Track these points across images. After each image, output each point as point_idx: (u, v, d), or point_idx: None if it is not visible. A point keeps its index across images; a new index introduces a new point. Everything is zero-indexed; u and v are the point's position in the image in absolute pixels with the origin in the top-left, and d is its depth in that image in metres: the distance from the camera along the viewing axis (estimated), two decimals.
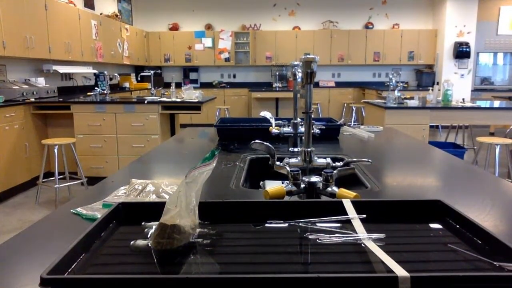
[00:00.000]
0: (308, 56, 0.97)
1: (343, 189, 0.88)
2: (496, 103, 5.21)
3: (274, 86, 9.12)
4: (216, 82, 9.34)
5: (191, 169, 0.70)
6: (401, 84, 8.63)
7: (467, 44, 8.43)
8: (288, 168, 0.97)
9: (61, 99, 4.93)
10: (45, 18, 5.13)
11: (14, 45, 4.53)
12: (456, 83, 7.97)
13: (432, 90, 5.07)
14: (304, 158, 1.03)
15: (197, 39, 8.98)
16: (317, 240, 0.68)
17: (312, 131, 1.06)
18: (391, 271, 0.54)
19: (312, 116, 1.04)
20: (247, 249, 0.69)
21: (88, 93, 5.84)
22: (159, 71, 9.08)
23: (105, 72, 6.48)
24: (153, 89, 5.27)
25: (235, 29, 9.21)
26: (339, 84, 9.26)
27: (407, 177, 1.22)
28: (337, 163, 1.02)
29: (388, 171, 1.30)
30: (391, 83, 5.06)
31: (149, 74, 5.63)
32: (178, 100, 4.67)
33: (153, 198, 0.95)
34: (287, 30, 9.24)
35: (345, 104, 8.93)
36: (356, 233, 0.69)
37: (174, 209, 0.66)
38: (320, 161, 1.04)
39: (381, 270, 0.58)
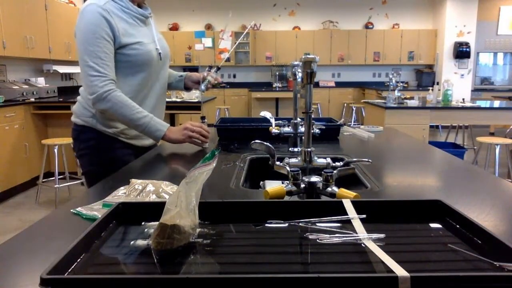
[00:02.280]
0: (308, 56, 0.97)
1: (343, 189, 0.88)
2: (496, 103, 5.21)
3: (274, 86, 9.12)
4: (216, 82, 9.33)
5: (191, 169, 0.70)
6: (401, 84, 8.62)
7: (467, 44, 8.43)
8: (288, 168, 0.97)
9: (61, 99, 4.94)
10: (45, 18, 5.14)
11: (14, 45, 4.53)
12: (456, 83, 7.97)
13: (432, 90, 5.07)
14: (304, 158, 1.03)
15: (197, 39, 8.97)
16: (317, 240, 0.68)
17: (312, 131, 1.06)
18: (391, 271, 0.54)
19: (312, 116, 1.04)
20: (247, 249, 0.69)
21: None
22: None
23: None
24: None
25: (235, 29, 9.21)
26: (339, 84, 9.26)
27: (407, 177, 1.22)
28: (337, 163, 1.02)
29: (388, 171, 1.30)
30: (391, 83, 5.06)
31: None
32: (178, 100, 4.67)
33: (153, 198, 0.95)
34: (287, 30, 9.25)
35: (345, 104, 8.93)
36: (356, 233, 0.69)
37: (174, 209, 0.66)
38: (320, 161, 1.04)
39: (381, 270, 0.58)
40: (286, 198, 0.91)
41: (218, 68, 1.94)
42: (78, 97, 1.68)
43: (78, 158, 1.69)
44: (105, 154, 1.63)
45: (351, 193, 0.85)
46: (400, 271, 0.53)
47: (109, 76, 1.48)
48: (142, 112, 1.53)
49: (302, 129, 1.50)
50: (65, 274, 0.57)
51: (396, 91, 4.80)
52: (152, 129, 1.54)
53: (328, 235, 0.69)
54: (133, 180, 1.04)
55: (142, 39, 1.58)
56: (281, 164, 1.01)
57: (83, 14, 1.49)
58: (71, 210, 0.90)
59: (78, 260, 0.61)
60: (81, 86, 1.66)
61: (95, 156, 1.64)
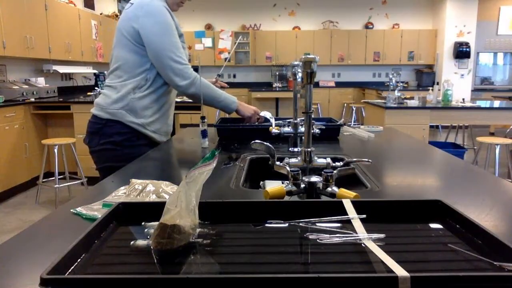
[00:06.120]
0: (308, 56, 0.97)
1: (343, 189, 0.88)
2: (496, 103, 5.21)
3: (274, 86, 9.12)
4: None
5: (191, 169, 0.70)
6: (401, 84, 8.62)
7: (467, 44, 8.43)
8: (288, 168, 0.97)
9: (61, 99, 4.93)
10: (45, 18, 5.13)
11: (14, 45, 4.53)
12: (456, 83, 7.96)
13: (432, 90, 5.06)
14: (304, 158, 1.03)
15: (197, 39, 8.97)
16: (317, 240, 0.68)
17: (312, 131, 1.06)
18: (391, 271, 0.54)
19: (312, 116, 1.04)
20: (247, 249, 0.69)
21: (88, 93, 5.84)
22: None
23: (105, 72, 6.48)
24: None
25: (235, 29, 9.20)
26: (339, 84, 9.26)
27: (407, 177, 1.22)
28: (337, 163, 1.02)
29: (388, 171, 1.30)
30: (391, 83, 5.05)
31: None
32: (178, 100, 4.67)
33: (153, 198, 0.95)
34: (287, 30, 9.24)
35: (345, 104, 8.93)
36: (356, 233, 0.69)
37: (174, 209, 0.66)
38: (320, 161, 1.04)
39: (381, 270, 0.58)
40: (286, 198, 0.91)
41: (219, 75, 2.08)
42: (104, 90, 1.70)
43: (94, 152, 1.69)
44: (127, 150, 1.65)
45: (351, 193, 0.85)
46: (400, 271, 0.53)
47: (189, 64, 1.70)
48: (218, 90, 1.74)
49: (302, 129, 1.50)
50: (65, 274, 0.57)
51: (396, 91, 4.80)
52: (228, 101, 1.76)
53: (328, 235, 0.69)
54: (133, 180, 1.04)
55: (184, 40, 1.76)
56: (281, 164, 1.01)
57: (150, 8, 1.58)
58: (71, 210, 0.90)
59: (78, 260, 0.61)
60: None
61: (117, 151, 1.66)
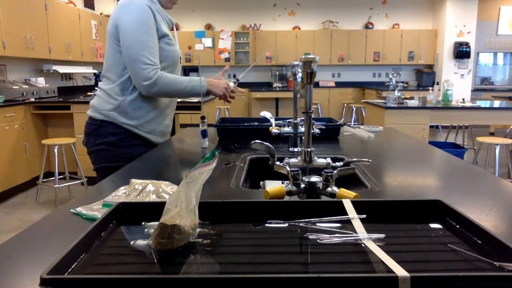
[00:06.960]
0: (308, 56, 0.97)
1: (343, 189, 0.88)
2: (496, 103, 5.21)
3: (274, 86, 9.12)
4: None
5: (191, 169, 0.70)
6: (401, 84, 8.61)
7: (467, 44, 8.43)
8: (288, 168, 0.97)
9: (61, 99, 4.93)
10: (45, 18, 5.13)
11: (14, 45, 4.53)
12: (456, 83, 7.96)
13: (432, 90, 5.06)
14: (304, 158, 1.03)
15: (197, 39, 8.96)
16: (317, 240, 0.68)
17: (312, 131, 1.06)
18: (391, 271, 0.54)
19: (312, 116, 1.04)
20: (247, 249, 0.69)
21: (88, 93, 5.84)
22: None
23: None
24: None
25: (235, 29, 9.20)
26: (339, 84, 9.26)
27: (407, 177, 1.22)
28: (337, 163, 1.02)
29: (388, 171, 1.30)
30: (391, 83, 5.05)
31: None
32: (179, 100, 4.67)
33: (153, 198, 0.95)
34: (287, 30, 9.24)
35: (345, 104, 8.93)
36: (356, 233, 0.69)
37: (174, 209, 0.66)
38: (320, 161, 1.04)
39: (381, 270, 0.58)
40: (286, 198, 0.91)
41: (238, 80, 2.01)
42: (98, 92, 1.72)
43: (91, 153, 1.71)
44: (122, 150, 1.66)
45: (351, 193, 0.85)
46: (400, 271, 0.53)
47: (157, 65, 1.61)
48: (184, 81, 1.67)
49: (302, 129, 1.50)
50: (65, 274, 0.57)
51: (396, 91, 4.80)
52: (197, 87, 1.69)
53: (328, 235, 0.69)
54: (133, 180, 1.03)
55: (172, 39, 1.72)
56: (281, 164, 1.01)
57: (130, 6, 1.57)
58: (71, 210, 0.90)
59: (78, 260, 0.61)
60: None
61: (112, 151, 1.67)
